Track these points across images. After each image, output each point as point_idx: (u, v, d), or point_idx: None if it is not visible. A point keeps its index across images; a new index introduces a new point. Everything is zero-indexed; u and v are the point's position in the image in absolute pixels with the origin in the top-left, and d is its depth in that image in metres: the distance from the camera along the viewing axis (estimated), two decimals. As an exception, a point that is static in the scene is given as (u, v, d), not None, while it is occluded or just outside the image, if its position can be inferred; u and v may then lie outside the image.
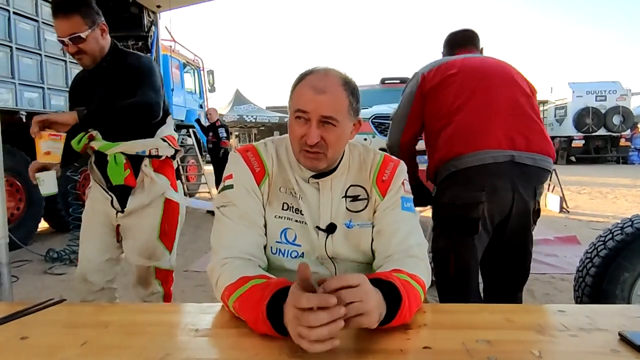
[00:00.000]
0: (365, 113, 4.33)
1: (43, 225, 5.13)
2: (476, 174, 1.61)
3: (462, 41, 1.98)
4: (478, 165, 1.60)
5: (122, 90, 1.66)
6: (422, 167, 3.06)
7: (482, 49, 1.99)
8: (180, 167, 8.08)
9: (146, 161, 1.78)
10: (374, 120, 4.20)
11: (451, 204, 1.69)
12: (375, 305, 0.72)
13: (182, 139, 8.66)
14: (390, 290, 0.78)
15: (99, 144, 1.73)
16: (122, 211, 1.78)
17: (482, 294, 1.84)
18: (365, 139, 4.05)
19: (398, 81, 5.43)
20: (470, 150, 1.61)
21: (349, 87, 0.99)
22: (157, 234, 1.80)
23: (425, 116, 1.82)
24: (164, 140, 1.79)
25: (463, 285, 1.71)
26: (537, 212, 1.73)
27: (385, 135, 4.11)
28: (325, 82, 0.96)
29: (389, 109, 4.19)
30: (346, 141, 1.04)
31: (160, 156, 1.80)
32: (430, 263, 1.14)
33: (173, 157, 1.87)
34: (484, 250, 1.71)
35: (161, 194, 1.80)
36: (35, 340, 0.80)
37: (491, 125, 1.63)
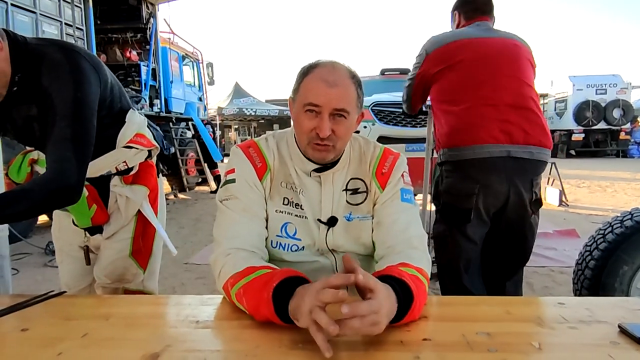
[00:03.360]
0: (365, 101, 4.33)
1: (42, 218, 5.13)
2: (471, 167, 1.68)
3: (483, 7, 1.90)
4: (474, 159, 1.66)
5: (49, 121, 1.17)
6: (418, 155, 3.07)
7: (494, 17, 1.94)
8: (180, 161, 8.06)
9: (115, 180, 1.39)
10: (373, 108, 4.20)
11: (448, 192, 1.78)
12: (385, 313, 0.71)
13: (182, 132, 8.63)
14: (403, 291, 0.78)
15: None
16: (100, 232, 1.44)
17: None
18: (365, 127, 4.05)
19: (398, 72, 5.41)
20: (467, 144, 1.67)
21: (356, 80, 1.00)
22: (129, 250, 1.45)
23: (431, 97, 1.89)
24: (130, 147, 1.38)
25: (461, 268, 1.76)
26: (537, 202, 1.76)
27: (385, 123, 4.14)
28: (335, 75, 0.96)
29: (389, 96, 4.19)
30: (352, 133, 1.05)
31: (132, 168, 1.41)
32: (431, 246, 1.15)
33: (150, 155, 1.48)
34: (483, 237, 1.77)
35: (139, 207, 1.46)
36: (35, 332, 0.80)
37: (490, 119, 1.66)
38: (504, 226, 1.76)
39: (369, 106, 4.23)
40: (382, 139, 3.95)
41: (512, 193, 1.68)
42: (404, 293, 0.78)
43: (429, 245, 1.09)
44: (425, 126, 2.59)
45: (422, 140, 2.74)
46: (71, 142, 1.12)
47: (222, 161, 8.71)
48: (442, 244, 1.82)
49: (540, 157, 1.68)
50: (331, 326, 0.65)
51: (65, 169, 1.10)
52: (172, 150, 7.69)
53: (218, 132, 18.91)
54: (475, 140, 1.65)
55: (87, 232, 1.43)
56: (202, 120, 8.87)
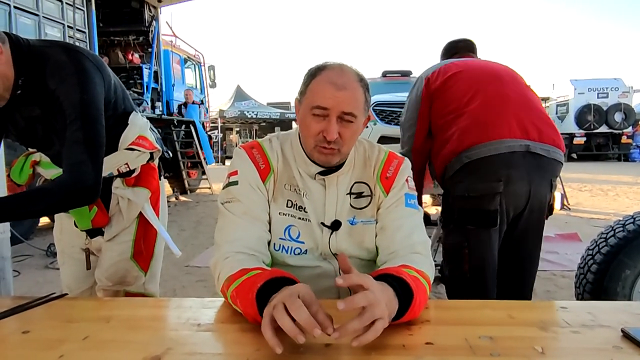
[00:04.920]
0: None
1: (44, 220, 5.14)
2: (491, 164, 1.56)
3: (462, 49, 2.00)
4: (493, 155, 1.55)
5: (58, 124, 1.20)
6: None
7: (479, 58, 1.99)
8: (181, 163, 8.07)
9: (117, 182, 1.40)
10: (375, 108, 4.20)
11: (465, 196, 1.62)
12: (386, 305, 0.71)
13: (183, 134, 8.65)
14: (402, 287, 0.78)
15: (50, 171, 1.35)
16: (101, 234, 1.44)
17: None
18: (367, 127, 4.06)
19: (399, 74, 5.43)
20: (484, 140, 1.56)
21: (364, 83, 0.99)
22: (131, 253, 1.44)
23: (432, 115, 1.78)
24: (133, 149, 1.38)
25: (479, 283, 1.63)
26: (551, 208, 1.69)
27: (387, 123, 4.11)
28: (343, 78, 0.95)
29: (391, 96, 4.19)
30: (358, 136, 1.04)
31: (134, 170, 1.41)
32: (436, 264, 1.13)
33: (152, 158, 1.47)
34: (499, 244, 1.64)
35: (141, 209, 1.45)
36: (36, 334, 0.80)
37: (504, 114, 1.59)
38: (520, 230, 1.65)
39: (371, 106, 4.23)
40: (384, 139, 3.94)
41: (532, 192, 1.59)
42: (402, 290, 0.78)
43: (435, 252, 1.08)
44: None
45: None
46: (84, 144, 1.15)
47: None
48: (456, 257, 1.67)
49: (556, 156, 1.61)
50: (274, 341, 0.65)
51: (82, 171, 1.14)
52: (171, 154, 7.68)
53: (219, 135, 18.92)
54: (493, 136, 1.56)
55: (87, 235, 1.43)
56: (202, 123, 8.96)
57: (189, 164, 8.54)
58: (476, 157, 1.57)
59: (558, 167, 1.65)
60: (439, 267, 1.87)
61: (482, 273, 1.63)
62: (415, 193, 1.10)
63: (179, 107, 8.57)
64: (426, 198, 3.89)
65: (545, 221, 1.73)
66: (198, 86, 9.84)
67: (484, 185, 1.58)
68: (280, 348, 0.65)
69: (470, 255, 1.63)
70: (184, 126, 8.68)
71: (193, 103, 8.69)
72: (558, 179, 1.86)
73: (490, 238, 1.60)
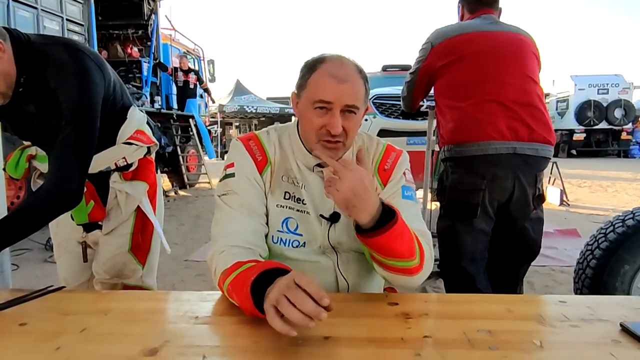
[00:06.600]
0: None
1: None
2: (478, 163, 1.69)
3: (481, 2, 1.88)
4: (480, 155, 1.67)
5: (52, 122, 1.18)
6: (419, 148, 3.05)
7: (500, 9, 1.92)
8: (181, 157, 8.06)
9: (115, 176, 1.40)
10: (374, 101, 4.18)
11: (454, 187, 1.78)
12: (349, 187, 0.82)
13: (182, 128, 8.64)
14: (390, 209, 0.86)
15: (46, 165, 1.33)
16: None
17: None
18: (366, 120, 4.04)
19: (399, 68, 5.43)
20: (473, 140, 1.68)
21: (363, 75, 0.99)
22: (129, 246, 1.45)
23: (435, 88, 1.88)
24: (130, 144, 1.38)
25: (467, 263, 1.76)
26: (540, 197, 1.79)
27: (387, 116, 4.10)
28: (344, 70, 0.95)
29: (391, 89, 4.18)
30: (359, 128, 1.04)
31: (131, 164, 1.42)
32: (435, 260, 1.14)
33: (149, 152, 1.47)
34: (489, 234, 1.79)
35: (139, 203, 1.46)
36: (34, 326, 0.80)
37: (497, 115, 1.67)
38: (506, 221, 1.77)
39: (371, 99, 4.21)
40: (384, 132, 3.93)
41: (516, 188, 1.70)
42: (387, 206, 0.87)
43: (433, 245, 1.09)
44: (427, 119, 2.57)
45: (423, 133, 2.73)
46: (75, 147, 1.14)
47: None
48: (447, 239, 1.83)
49: (545, 153, 1.71)
50: (286, 328, 0.66)
51: (67, 176, 1.13)
52: (170, 149, 7.67)
53: (219, 130, 18.89)
54: (481, 137, 1.66)
55: (83, 229, 1.43)
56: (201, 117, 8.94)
57: (189, 159, 8.53)
58: (465, 155, 1.71)
59: (545, 162, 1.76)
60: (437, 263, 1.89)
61: (465, 257, 1.77)
62: (413, 186, 1.10)
63: (174, 69, 8.26)
64: (420, 193, 3.88)
65: (544, 216, 1.83)
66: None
67: (469, 180, 1.73)
68: (294, 332, 0.66)
69: (457, 237, 1.78)
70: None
71: (188, 69, 8.42)
72: (557, 174, 1.94)
73: (472, 226, 1.75)
